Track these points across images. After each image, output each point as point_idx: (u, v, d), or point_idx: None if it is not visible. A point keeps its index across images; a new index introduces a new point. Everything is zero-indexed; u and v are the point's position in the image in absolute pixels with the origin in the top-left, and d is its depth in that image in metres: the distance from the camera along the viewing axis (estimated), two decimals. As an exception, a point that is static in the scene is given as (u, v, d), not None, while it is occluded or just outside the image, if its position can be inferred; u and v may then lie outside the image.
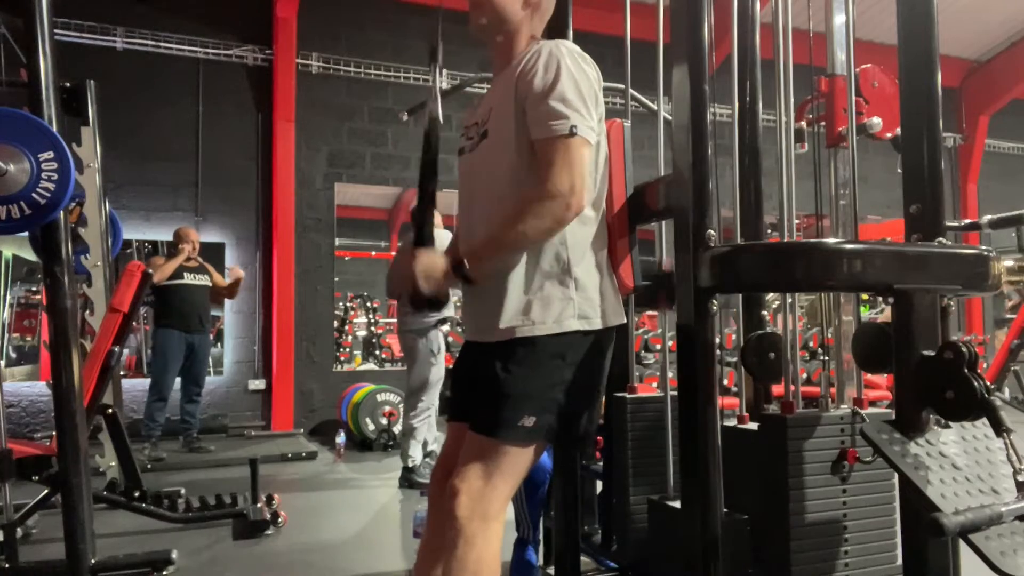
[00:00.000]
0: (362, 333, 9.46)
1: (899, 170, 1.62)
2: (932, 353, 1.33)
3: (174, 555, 2.74)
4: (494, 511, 1.50)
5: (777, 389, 2.00)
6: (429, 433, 4.39)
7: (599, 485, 2.35)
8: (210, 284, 5.51)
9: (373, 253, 11.09)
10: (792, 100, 1.83)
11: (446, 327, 4.55)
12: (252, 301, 6.56)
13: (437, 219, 4.46)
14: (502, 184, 1.58)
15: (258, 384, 6.50)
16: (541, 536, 2.61)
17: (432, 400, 4.37)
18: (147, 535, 3.35)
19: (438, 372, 4.34)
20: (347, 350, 8.86)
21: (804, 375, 5.62)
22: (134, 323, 3.59)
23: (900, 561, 1.56)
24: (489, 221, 1.59)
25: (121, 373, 4.47)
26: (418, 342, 4.28)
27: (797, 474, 1.65)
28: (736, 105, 2.00)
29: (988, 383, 1.24)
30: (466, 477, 1.50)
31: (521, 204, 1.48)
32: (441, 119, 1.70)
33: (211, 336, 6.01)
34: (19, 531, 2.87)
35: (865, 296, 3.03)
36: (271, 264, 6.49)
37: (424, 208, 1.67)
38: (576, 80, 1.50)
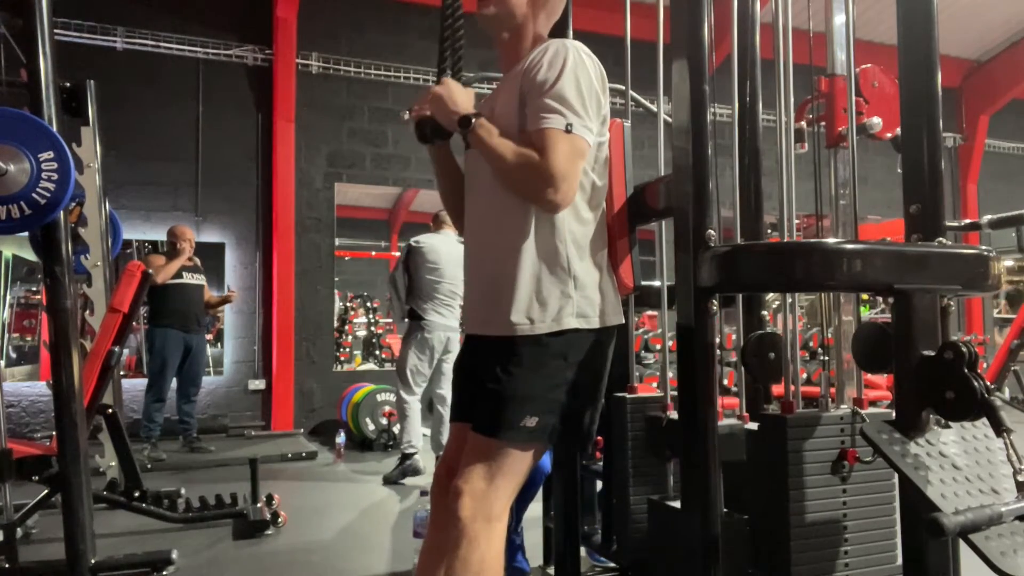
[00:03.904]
0: (362, 333, 9.46)
1: (899, 170, 1.62)
2: (932, 353, 1.33)
3: (174, 555, 2.74)
4: (497, 512, 1.51)
5: (777, 389, 2.01)
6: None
7: (599, 485, 2.36)
8: (205, 284, 5.51)
9: (373, 253, 11.09)
10: (792, 100, 1.83)
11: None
12: (252, 301, 6.56)
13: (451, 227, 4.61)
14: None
15: (258, 384, 6.49)
16: (523, 527, 2.62)
17: None
18: (147, 535, 3.35)
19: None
20: (347, 350, 8.87)
21: (804, 375, 5.62)
22: (134, 323, 3.59)
23: (900, 561, 1.57)
24: (494, 216, 1.60)
25: (121, 373, 4.47)
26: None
27: (797, 474, 1.65)
28: (736, 105, 2.00)
29: (988, 383, 1.24)
30: (469, 478, 1.50)
31: (530, 152, 1.48)
32: None
33: (208, 337, 6.02)
34: (19, 531, 2.87)
35: (865, 296, 3.03)
36: (271, 264, 6.48)
37: (455, 36, 1.68)
38: (578, 80, 1.50)
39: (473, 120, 1.53)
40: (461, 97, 1.57)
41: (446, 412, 4.55)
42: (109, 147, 4.17)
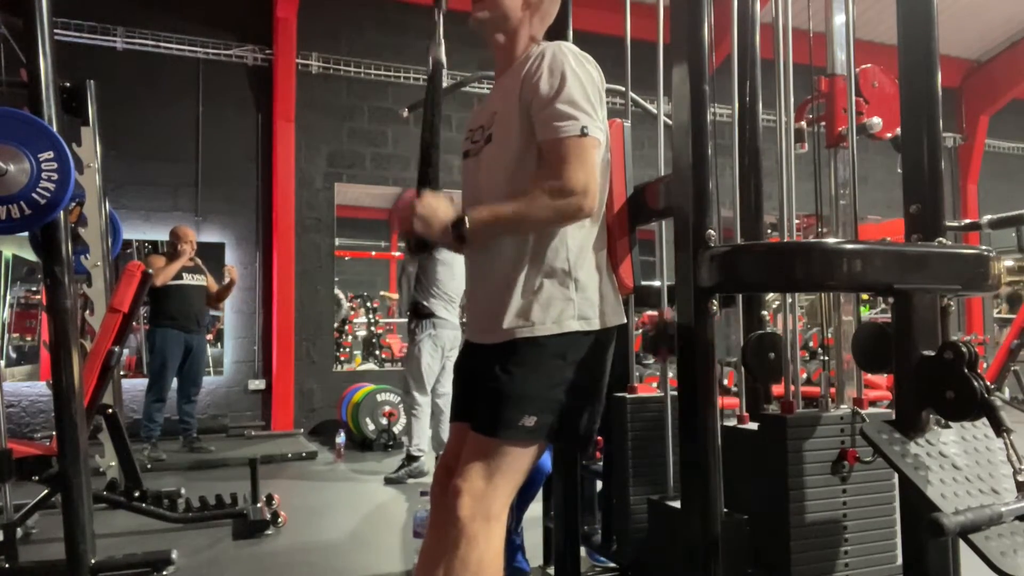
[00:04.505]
0: (362, 333, 9.46)
1: (899, 170, 1.62)
2: (932, 353, 1.33)
3: (174, 555, 2.74)
4: (496, 511, 1.51)
5: (777, 389, 2.00)
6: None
7: (599, 485, 2.36)
8: (206, 284, 5.50)
9: (373, 253, 11.10)
10: (792, 100, 1.83)
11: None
12: (252, 301, 6.56)
13: None
14: (507, 188, 1.57)
15: (258, 384, 6.50)
16: (523, 527, 2.63)
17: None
18: (147, 535, 3.35)
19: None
20: (347, 350, 8.87)
21: (804, 375, 5.62)
22: (134, 323, 3.59)
23: (900, 561, 1.57)
24: None
25: (121, 373, 4.47)
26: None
27: (797, 474, 1.65)
28: (736, 105, 2.00)
29: (988, 383, 1.24)
30: (468, 477, 1.50)
31: (535, 190, 1.48)
32: (444, 63, 1.71)
33: (208, 337, 6.00)
34: (19, 531, 2.87)
35: (865, 296, 3.03)
36: (271, 264, 6.49)
37: (429, 151, 1.67)
38: (582, 81, 1.51)
39: (465, 221, 1.49)
40: (443, 208, 1.52)
41: (447, 409, 4.55)
42: (109, 147, 4.17)
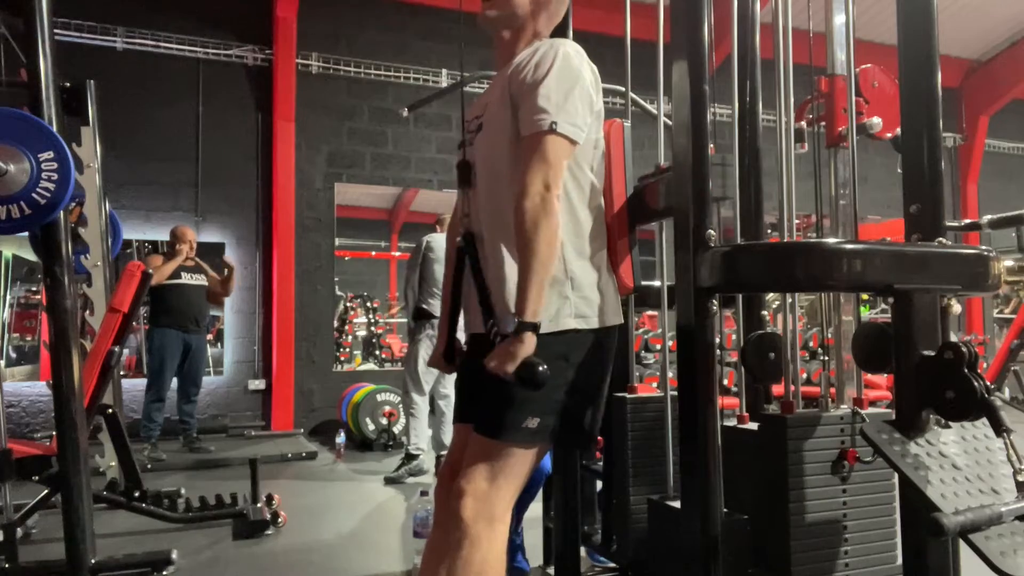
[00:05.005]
0: (362, 333, 9.46)
1: (899, 170, 1.62)
2: (932, 353, 1.33)
3: (174, 555, 2.74)
4: (499, 512, 1.51)
5: (777, 389, 2.00)
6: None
7: (599, 485, 2.36)
8: (207, 284, 5.50)
9: (373, 253, 11.09)
10: (792, 100, 1.83)
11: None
12: (252, 301, 6.56)
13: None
14: (500, 178, 1.58)
15: (258, 384, 6.49)
16: (523, 527, 2.64)
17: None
18: (147, 535, 3.35)
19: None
20: (347, 350, 8.87)
21: (804, 375, 5.62)
22: (134, 323, 3.59)
23: (900, 561, 1.57)
24: (491, 220, 1.60)
25: (121, 373, 4.47)
26: None
27: (797, 474, 1.65)
28: (736, 105, 2.00)
29: (988, 383, 1.24)
30: (471, 479, 1.50)
31: (514, 223, 1.47)
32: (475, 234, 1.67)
33: (208, 337, 6.00)
34: (19, 531, 2.87)
35: (865, 296, 3.03)
36: (271, 264, 6.48)
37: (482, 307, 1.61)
38: (565, 77, 1.50)
39: (524, 320, 1.44)
40: (503, 348, 1.46)
41: (448, 410, 4.55)
42: (109, 147, 4.16)
